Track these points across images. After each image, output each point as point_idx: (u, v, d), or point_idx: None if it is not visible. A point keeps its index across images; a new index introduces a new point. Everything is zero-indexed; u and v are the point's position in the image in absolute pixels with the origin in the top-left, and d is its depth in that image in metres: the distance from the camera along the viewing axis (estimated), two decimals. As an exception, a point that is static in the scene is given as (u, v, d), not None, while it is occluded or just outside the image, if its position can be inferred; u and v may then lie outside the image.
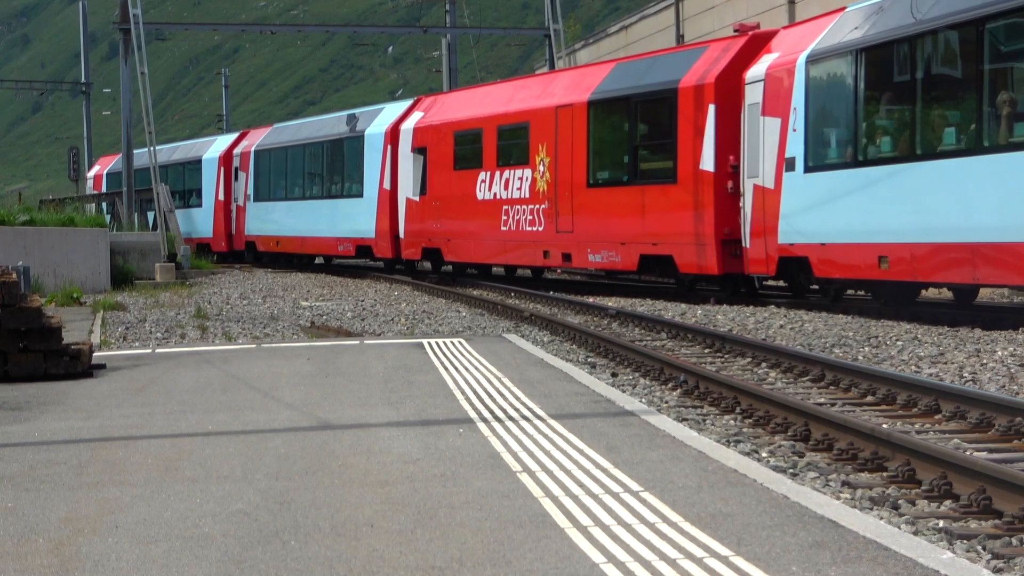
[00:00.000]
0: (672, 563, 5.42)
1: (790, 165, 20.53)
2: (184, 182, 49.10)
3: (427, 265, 34.98)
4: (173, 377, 12.51)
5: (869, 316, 18.94)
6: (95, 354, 13.73)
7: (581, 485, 6.99)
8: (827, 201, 19.68)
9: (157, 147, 53.84)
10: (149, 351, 15.38)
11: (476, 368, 12.51)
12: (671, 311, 20.86)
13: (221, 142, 47.92)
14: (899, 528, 6.46)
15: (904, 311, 18.85)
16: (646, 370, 13.54)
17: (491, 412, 9.65)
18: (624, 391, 11.71)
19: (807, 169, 20.20)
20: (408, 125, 33.51)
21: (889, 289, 19.56)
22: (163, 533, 6.09)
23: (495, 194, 29.12)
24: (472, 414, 9.57)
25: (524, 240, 28.05)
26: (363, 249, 36.30)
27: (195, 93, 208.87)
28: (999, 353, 13.91)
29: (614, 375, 13.49)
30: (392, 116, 35.19)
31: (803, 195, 20.30)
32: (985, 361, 13.40)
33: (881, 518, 6.90)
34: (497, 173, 29.08)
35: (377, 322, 20.46)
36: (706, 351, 15.44)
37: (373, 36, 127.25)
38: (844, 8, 20.36)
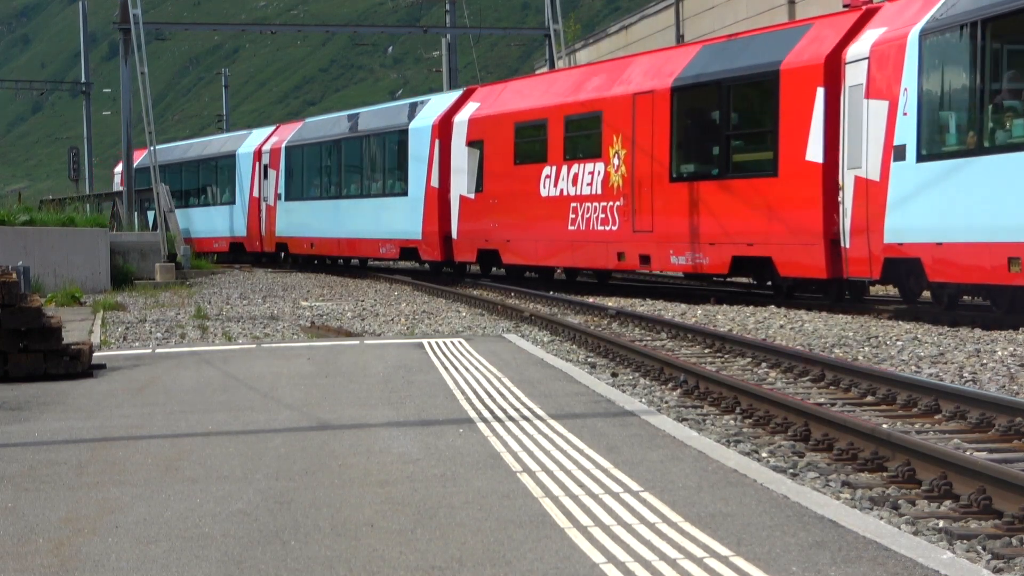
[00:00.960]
0: (672, 563, 5.42)
1: (899, 154, 18.18)
2: (216, 178, 47.31)
3: (475, 268, 32.97)
4: (173, 377, 12.51)
5: (869, 316, 18.94)
6: (95, 354, 13.73)
7: (581, 485, 6.99)
8: (944, 194, 17.37)
9: (187, 141, 53.06)
10: (149, 351, 15.38)
11: (476, 368, 12.51)
12: (671, 311, 20.86)
13: (256, 136, 45.69)
14: (899, 528, 6.46)
15: (904, 311, 18.80)
16: (646, 370, 13.54)
17: (491, 412, 9.65)
18: (624, 391, 11.71)
19: (920, 158, 17.85)
20: (462, 117, 31.04)
21: (1015, 295, 17.10)
22: (163, 533, 6.09)
23: (561, 190, 26.85)
24: (472, 414, 9.57)
25: (595, 240, 25.73)
26: (408, 251, 33.63)
27: (195, 93, 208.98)
28: (999, 353, 13.92)
29: (614, 375, 13.49)
30: (440, 108, 32.60)
31: (915, 187, 17.92)
32: (985, 361, 13.41)
33: (881, 518, 6.90)
34: (564, 167, 26.83)
35: (377, 322, 20.46)
36: (706, 351, 15.44)
37: (373, 36, 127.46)
38: None
